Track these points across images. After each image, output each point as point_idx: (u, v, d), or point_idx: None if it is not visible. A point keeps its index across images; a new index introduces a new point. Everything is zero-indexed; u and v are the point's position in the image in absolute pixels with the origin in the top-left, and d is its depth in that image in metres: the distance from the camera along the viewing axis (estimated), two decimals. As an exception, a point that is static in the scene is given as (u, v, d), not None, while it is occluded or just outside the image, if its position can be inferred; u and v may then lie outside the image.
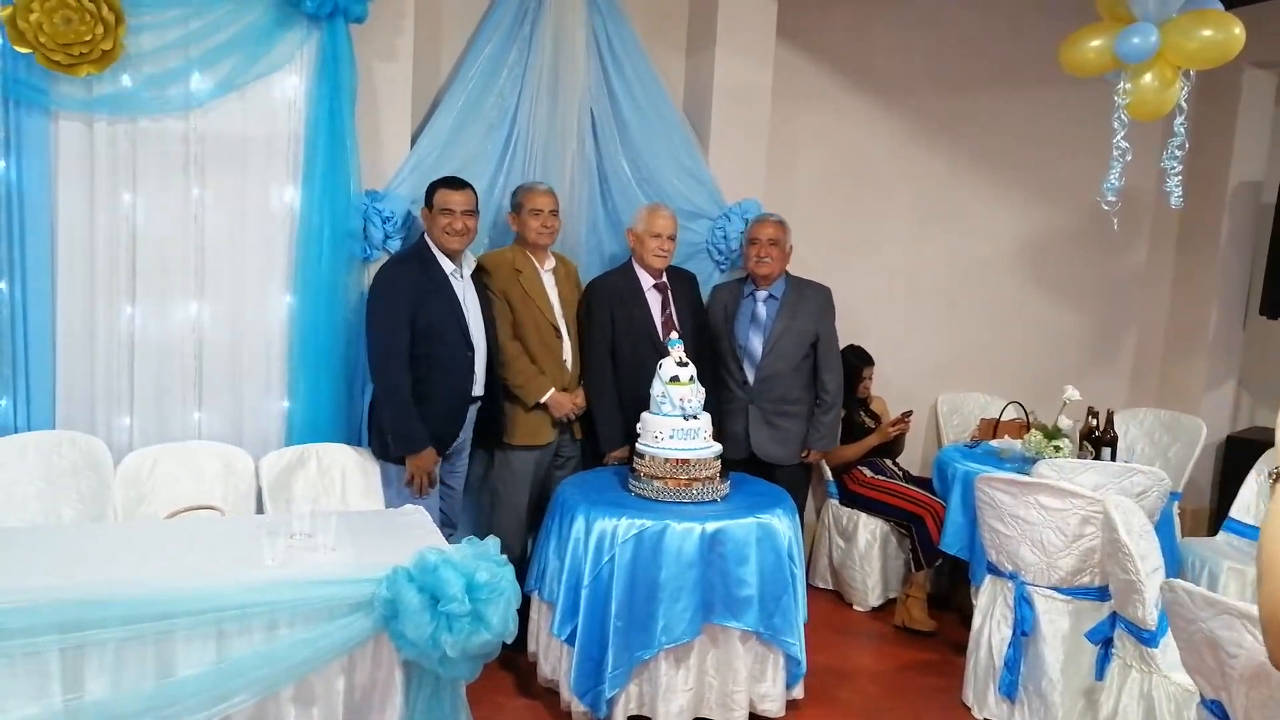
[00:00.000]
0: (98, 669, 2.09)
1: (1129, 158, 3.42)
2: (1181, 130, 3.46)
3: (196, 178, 3.24)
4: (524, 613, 2.83)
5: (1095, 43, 3.44)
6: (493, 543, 2.42)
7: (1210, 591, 2.12)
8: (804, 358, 3.79)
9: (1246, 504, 3.84)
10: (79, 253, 3.13)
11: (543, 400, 3.50)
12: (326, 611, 2.27)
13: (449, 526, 3.51)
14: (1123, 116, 3.38)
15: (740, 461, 3.69)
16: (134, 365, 3.23)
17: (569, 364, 3.61)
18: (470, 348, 3.35)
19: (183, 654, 2.16)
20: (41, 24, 2.87)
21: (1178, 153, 3.47)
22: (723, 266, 4.13)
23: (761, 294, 3.83)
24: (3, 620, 2.00)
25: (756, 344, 3.78)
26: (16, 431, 3.06)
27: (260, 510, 3.17)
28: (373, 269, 3.43)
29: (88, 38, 2.93)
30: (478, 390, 3.41)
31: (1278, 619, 0.91)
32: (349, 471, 3.33)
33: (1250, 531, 3.79)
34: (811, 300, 3.83)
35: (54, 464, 3.03)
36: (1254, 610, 1.95)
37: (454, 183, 3.34)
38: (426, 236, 3.36)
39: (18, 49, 2.89)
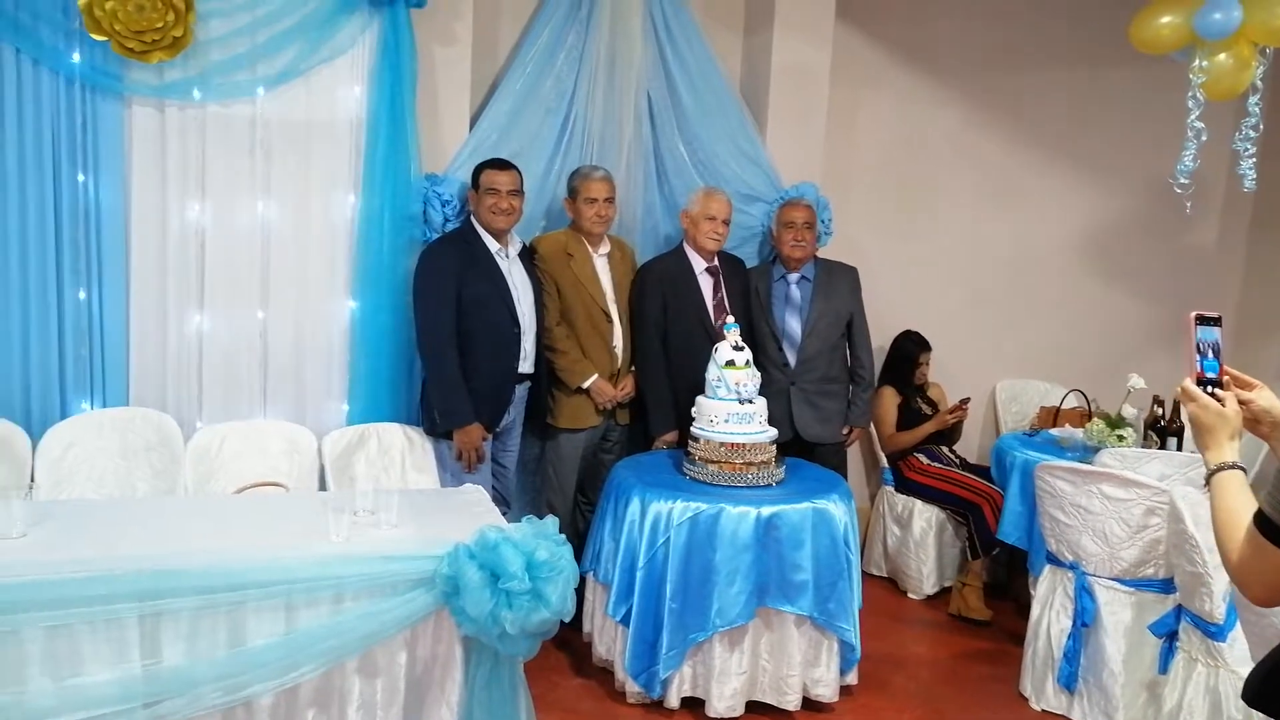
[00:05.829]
0: (174, 636, 2.16)
1: (1204, 138, 3.32)
2: (1256, 110, 3.35)
3: (262, 163, 3.30)
4: (579, 593, 2.86)
5: (1168, 18, 3.33)
6: (552, 521, 2.45)
7: (1284, 585, 2.06)
8: (840, 337, 3.84)
9: (1319, 496, 3.72)
10: (152, 246, 3.22)
11: (585, 386, 3.52)
12: (390, 586, 2.32)
13: (503, 505, 3.55)
14: (1198, 96, 3.27)
15: (782, 444, 3.68)
16: (203, 362, 3.35)
17: (619, 350, 3.61)
18: (517, 324, 3.38)
19: (253, 624, 2.22)
20: (116, 12, 2.95)
21: (1251, 134, 3.35)
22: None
23: (793, 276, 3.83)
24: (86, 588, 2.08)
25: (795, 326, 3.79)
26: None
27: (323, 487, 3.25)
28: (430, 252, 3.47)
29: (159, 25, 3.00)
30: (525, 368, 3.44)
31: (1233, 576, 1.43)
32: (407, 451, 3.40)
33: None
34: (842, 280, 3.85)
35: (128, 440, 3.14)
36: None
37: (499, 163, 3.37)
38: (473, 217, 3.41)
39: (94, 36, 2.97)
